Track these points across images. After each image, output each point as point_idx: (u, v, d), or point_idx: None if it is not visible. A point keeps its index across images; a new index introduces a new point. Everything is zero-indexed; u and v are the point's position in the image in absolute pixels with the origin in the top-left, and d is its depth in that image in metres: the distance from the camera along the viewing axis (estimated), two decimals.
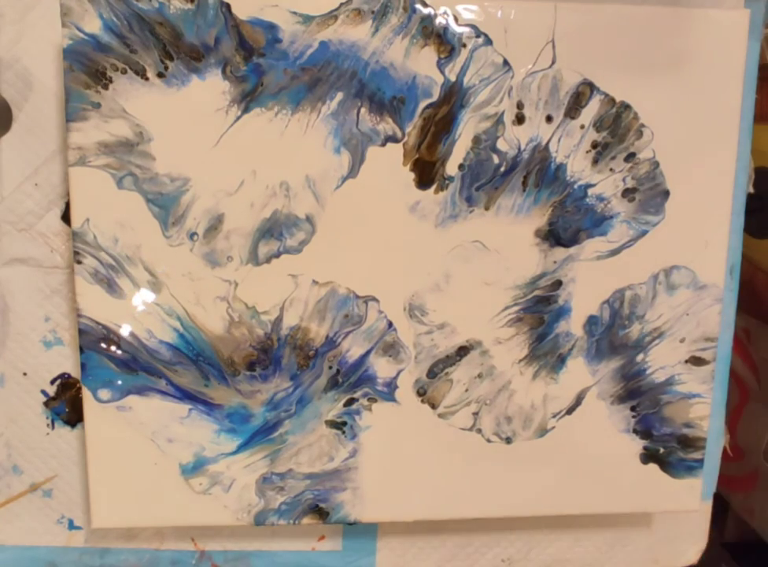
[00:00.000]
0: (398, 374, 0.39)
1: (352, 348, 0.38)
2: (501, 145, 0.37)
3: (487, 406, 0.39)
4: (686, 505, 0.42)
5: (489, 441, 0.40)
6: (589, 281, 0.39)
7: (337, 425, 0.38)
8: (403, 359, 0.38)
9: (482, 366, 0.39)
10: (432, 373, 0.39)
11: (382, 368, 0.38)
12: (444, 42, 0.36)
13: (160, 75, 0.35)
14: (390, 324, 0.38)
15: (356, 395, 0.38)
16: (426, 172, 0.37)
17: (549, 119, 0.37)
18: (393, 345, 0.38)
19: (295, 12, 0.35)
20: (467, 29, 0.36)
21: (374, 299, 0.38)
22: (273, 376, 0.38)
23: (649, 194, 0.39)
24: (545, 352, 0.39)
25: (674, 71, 0.38)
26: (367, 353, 0.38)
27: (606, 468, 0.41)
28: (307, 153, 0.36)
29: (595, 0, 0.38)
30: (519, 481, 0.40)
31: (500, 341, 0.39)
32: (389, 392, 0.39)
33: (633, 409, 0.40)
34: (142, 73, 0.35)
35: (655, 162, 0.38)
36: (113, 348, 0.36)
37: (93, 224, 0.36)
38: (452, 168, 0.37)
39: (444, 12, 0.36)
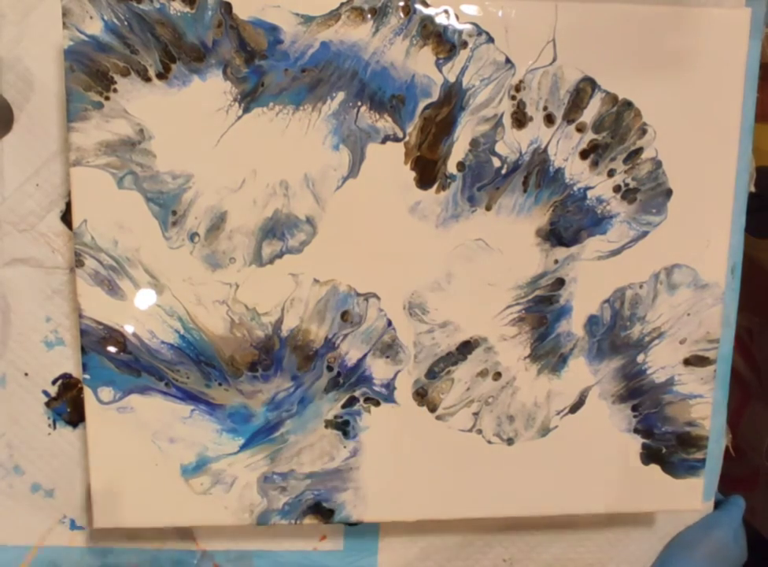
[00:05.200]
0: (396, 375, 0.38)
1: (351, 350, 0.38)
2: (501, 148, 0.37)
3: (488, 405, 0.39)
4: (688, 504, 0.42)
5: (489, 442, 0.40)
6: (590, 280, 0.39)
7: (338, 425, 0.38)
8: (402, 359, 0.38)
9: (486, 363, 0.39)
10: (432, 373, 0.39)
11: (379, 369, 0.38)
12: (443, 42, 0.36)
13: (161, 76, 0.35)
14: (390, 323, 0.38)
15: (356, 395, 0.38)
16: (428, 171, 0.37)
17: (549, 119, 0.37)
18: (391, 345, 0.38)
19: (297, 14, 0.35)
20: (468, 26, 0.36)
21: (375, 296, 0.38)
22: (274, 377, 0.38)
23: (651, 194, 0.39)
24: (547, 351, 0.39)
25: (675, 70, 0.38)
26: (365, 355, 0.38)
27: (607, 468, 0.41)
28: (307, 152, 0.36)
29: None
30: (521, 481, 0.40)
31: (504, 338, 0.39)
32: (387, 393, 0.39)
33: (634, 408, 0.40)
34: (143, 74, 0.35)
35: (657, 162, 0.38)
36: (115, 349, 0.37)
37: (91, 226, 0.36)
38: (453, 166, 0.37)
39: (445, 12, 0.36)
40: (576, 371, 0.40)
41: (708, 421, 0.41)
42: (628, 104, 0.38)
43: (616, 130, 0.38)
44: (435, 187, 0.37)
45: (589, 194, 0.38)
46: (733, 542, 0.45)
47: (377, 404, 0.39)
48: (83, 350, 0.36)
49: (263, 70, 0.35)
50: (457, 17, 0.36)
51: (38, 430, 0.41)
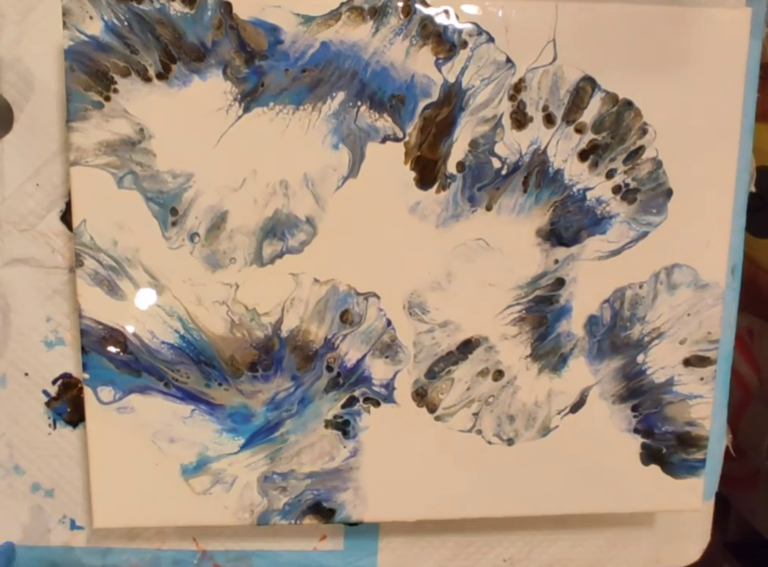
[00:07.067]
0: (395, 375, 0.38)
1: (350, 351, 0.38)
2: (501, 149, 0.37)
3: (488, 405, 0.39)
4: (688, 504, 0.42)
5: (489, 443, 0.40)
6: (590, 280, 0.39)
7: (338, 425, 0.38)
8: (401, 359, 0.38)
9: (487, 362, 0.39)
10: (432, 373, 0.39)
11: (378, 369, 0.38)
12: (443, 42, 0.36)
13: (161, 76, 0.35)
14: (389, 323, 0.38)
15: (355, 395, 0.38)
16: (428, 171, 0.37)
17: (549, 119, 0.37)
18: (390, 345, 0.38)
19: (297, 14, 0.35)
20: (468, 26, 0.36)
21: (375, 295, 0.38)
22: (274, 377, 0.38)
23: (651, 194, 0.39)
24: (547, 351, 0.39)
25: (675, 70, 0.38)
26: (365, 355, 0.38)
27: (608, 468, 0.41)
28: (307, 152, 0.36)
29: None
30: (521, 481, 0.40)
31: (505, 337, 0.39)
32: (387, 394, 0.39)
33: (634, 408, 0.40)
34: (143, 74, 0.35)
35: (658, 161, 0.38)
36: (115, 349, 0.37)
37: (90, 226, 0.36)
38: (453, 166, 0.37)
39: (445, 12, 0.36)
40: (576, 371, 0.40)
41: (708, 421, 0.41)
42: (628, 104, 0.38)
43: (616, 130, 0.38)
44: (435, 187, 0.37)
45: (589, 194, 0.38)
46: None
47: (377, 404, 0.39)
48: (83, 350, 0.36)
49: (263, 70, 0.35)
50: (457, 17, 0.36)
51: (38, 430, 0.41)
